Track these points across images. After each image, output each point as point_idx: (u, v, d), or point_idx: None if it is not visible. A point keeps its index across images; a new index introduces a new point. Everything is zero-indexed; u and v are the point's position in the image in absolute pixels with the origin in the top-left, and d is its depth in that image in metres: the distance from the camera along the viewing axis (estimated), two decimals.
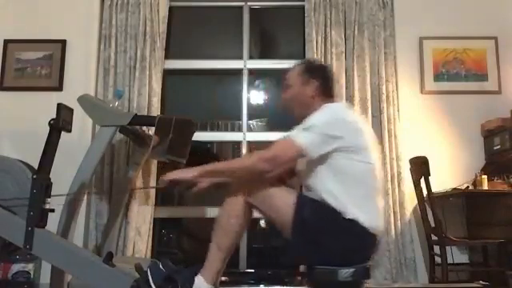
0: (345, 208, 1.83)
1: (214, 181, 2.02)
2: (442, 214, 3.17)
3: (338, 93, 3.46)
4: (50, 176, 2.19)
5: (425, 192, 3.18)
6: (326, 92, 2.08)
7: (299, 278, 3.19)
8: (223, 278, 2.59)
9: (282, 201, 1.88)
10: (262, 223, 3.90)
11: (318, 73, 2.10)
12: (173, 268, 1.95)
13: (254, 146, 3.82)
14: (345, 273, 1.82)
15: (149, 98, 3.58)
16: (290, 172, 2.08)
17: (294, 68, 2.14)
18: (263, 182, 1.91)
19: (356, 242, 1.86)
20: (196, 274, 1.90)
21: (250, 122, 3.97)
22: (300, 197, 1.90)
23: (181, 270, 1.95)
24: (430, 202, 3.16)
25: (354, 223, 1.83)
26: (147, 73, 3.60)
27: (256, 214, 1.98)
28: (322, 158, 1.88)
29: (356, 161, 1.88)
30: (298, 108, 2.07)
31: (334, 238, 1.84)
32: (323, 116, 1.92)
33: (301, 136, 1.86)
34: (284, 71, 2.18)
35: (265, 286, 3.21)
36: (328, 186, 1.87)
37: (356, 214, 1.83)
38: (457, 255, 3.37)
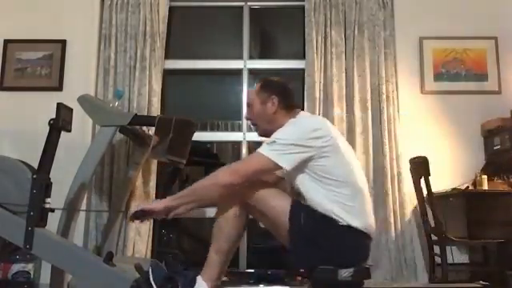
0: (335, 213, 1.86)
1: (189, 208, 2.04)
2: (442, 214, 3.17)
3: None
4: (50, 176, 2.19)
5: (425, 192, 3.17)
6: (287, 107, 2.10)
7: (299, 278, 3.19)
8: (224, 278, 2.59)
9: (279, 205, 1.91)
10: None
11: (274, 90, 2.12)
12: (175, 268, 1.96)
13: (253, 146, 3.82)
14: (345, 272, 1.85)
15: (149, 98, 3.58)
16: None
17: (254, 88, 2.18)
18: (259, 183, 1.93)
19: (352, 244, 1.89)
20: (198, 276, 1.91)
21: None
22: (294, 204, 1.92)
23: (182, 271, 1.95)
24: (429, 201, 3.16)
25: (346, 227, 1.86)
26: (147, 73, 3.60)
27: None
28: (299, 168, 1.91)
29: (334, 164, 1.91)
30: (263, 126, 2.12)
31: (331, 243, 1.87)
32: (288, 128, 1.96)
33: (267, 149, 1.90)
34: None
35: (265, 285, 3.21)
36: (313, 194, 1.90)
37: (347, 218, 1.86)
38: (457, 255, 3.37)
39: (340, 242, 1.87)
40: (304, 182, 1.92)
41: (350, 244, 1.88)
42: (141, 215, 1.98)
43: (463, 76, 3.72)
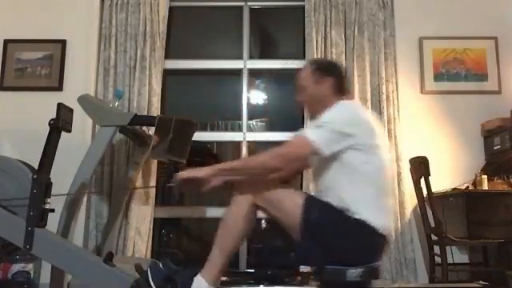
0: (355, 208, 1.82)
1: (226, 179, 1.97)
2: (442, 213, 3.17)
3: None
4: (50, 176, 2.19)
5: (425, 192, 3.18)
6: (340, 89, 2.07)
7: (299, 277, 3.18)
8: (223, 278, 2.59)
9: (291, 202, 1.87)
10: (263, 223, 3.90)
11: (330, 71, 2.10)
12: (173, 268, 1.95)
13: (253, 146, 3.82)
14: (353, 273, 1.80)
15: (149, 98, 3.58)
16: (296, 172, 2.05)
17: (305, 68, 2.13)
18: (270, 183, 1.89)
19: (365, 243, 1.85)
20: (196, 275, 1.90)
21: (250, 121, 3.96)
22: (308, 198, 1.89)
23: (180, 270, 1.95)
24: (430, 202, 3.16)
25: (362, 223, 1.82)
26: (147, 73, 3.60)
27: (259, 214, 1.97)
28: (334, 156, 1.86)
29: (368, 160, 1.87)
30: (314, 107, 2.07)
31: (342, 240, 1.82)
32: (337, 113, 1.91)
33: (313, 133, 1.85)
34: (296, 72, 2.17)
35: (265, 286, 3.21)
36: (339, 185, 1.86)
37: (365, 214, 1.82)
38: (457, 255, 3.36)
39: (352, 240, 1.82)
40: (330, 173, 1.88)
41: (363, 242, 1.84)
42: (181, 183, 1.89)
43: (463, 76, 3.72)
